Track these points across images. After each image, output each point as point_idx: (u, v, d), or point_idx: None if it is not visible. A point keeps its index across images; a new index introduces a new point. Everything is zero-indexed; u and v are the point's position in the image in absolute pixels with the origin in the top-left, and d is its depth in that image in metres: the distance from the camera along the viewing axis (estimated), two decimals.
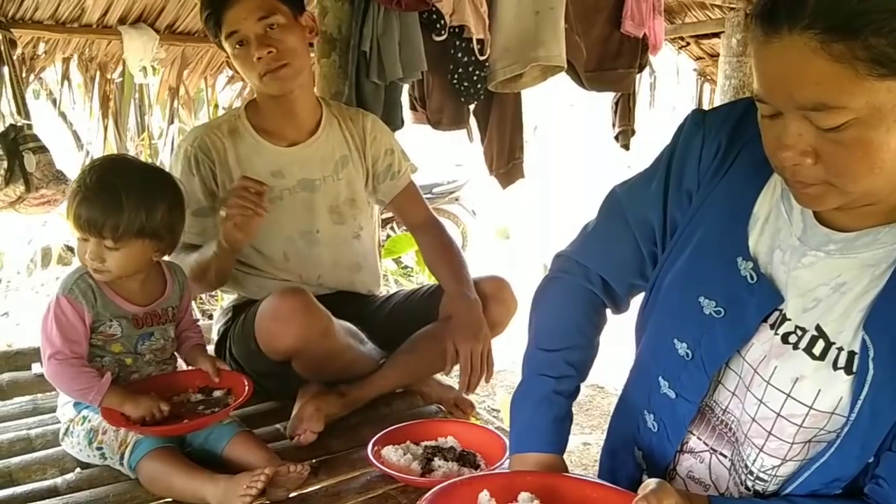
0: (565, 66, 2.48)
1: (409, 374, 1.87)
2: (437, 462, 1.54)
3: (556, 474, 1.10)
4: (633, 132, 3.02)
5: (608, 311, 1.26)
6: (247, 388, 1.59)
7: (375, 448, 1.57)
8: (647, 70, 3.29)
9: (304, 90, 1.85)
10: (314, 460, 1.61)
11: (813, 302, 0.94)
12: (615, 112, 3.01)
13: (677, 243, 1.09)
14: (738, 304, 0.99)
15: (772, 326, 0.97)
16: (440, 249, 1.98)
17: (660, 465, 1.14)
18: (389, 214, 2.03)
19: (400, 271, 5.61)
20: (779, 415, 0.96)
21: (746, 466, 1.02)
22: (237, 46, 1.74)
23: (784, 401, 0.95)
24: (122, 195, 1.44)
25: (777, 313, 0.97)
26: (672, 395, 1.09)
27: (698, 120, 1.09)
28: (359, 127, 1.97)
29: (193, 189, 1.78)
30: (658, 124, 7.76)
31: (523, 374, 1.23)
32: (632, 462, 1.21)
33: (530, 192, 6.42)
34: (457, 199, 5.78)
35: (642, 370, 1.19)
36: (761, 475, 1.00)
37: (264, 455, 1.48)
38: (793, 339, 0.95)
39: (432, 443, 1.64)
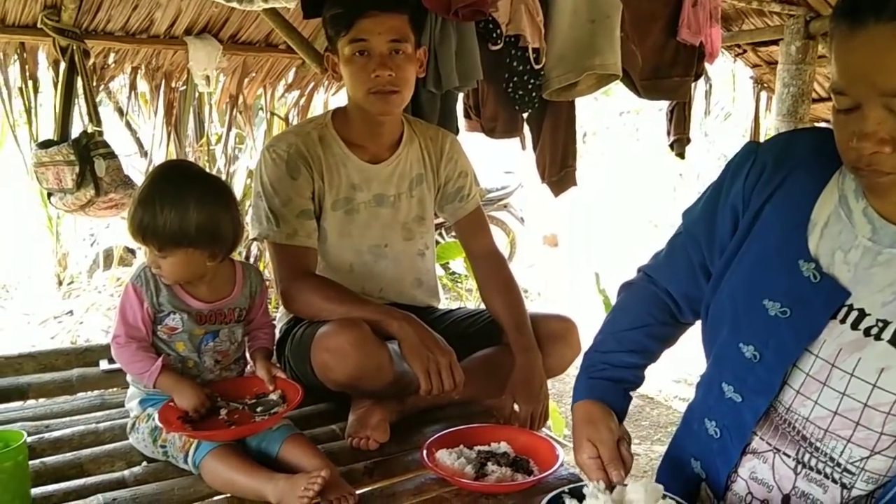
0: (621, 74, 2.47)
1: (465, 392, 1.86)
2: (491, 467, 1.55)
3: None
4: (688, 140, 2.99)
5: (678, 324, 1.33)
6: (298, 395, 1.61)
7: (429, 451, 1.59)
8: (702, 78, 3.25)
9: (395, 113, 1.88)
10: (370, 462, 1.64)
11: (892, 296, 0.99)
12: (670, 120, 2.98)
13: (733, 259, 1.16)
14: (803, 304, 1.05)
15: (841, 321, 1.02)
16: (501, 289, 1.97)
17: (721, 471, 1.17)
18: (437, 221, 2.05)
19: (448, 277, 5.63)
20: (866, 405, 1.00)
21: (833, 459, 1.05)
22: (357, 54, 1.74)
23: (870, 391, 1.00)
24: (156, 207, 1.49)
25: (845, 309, 1.02)
26: (738, 398, 1.13)
27: (751, 148, 1.19)
28: (437, 146, 1.99)
29: (296, 192, 1.80)
30: (713, 133, 7.62)
31: (586, 355, 1.33)
32: (689, 471, 1.24)
33: (579, 200, 6.38)
34: (505, 206, 5.78)
35: (708, 379, 1.23)
36: (849, 467, 1.04)
37: (317, 461, 1.50)
38: (874, 331, 1.00)
39: (485, 448, 1.65)
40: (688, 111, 2.98)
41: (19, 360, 2.07)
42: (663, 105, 3.30)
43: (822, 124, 3.69)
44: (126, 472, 1.56)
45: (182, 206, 1.51)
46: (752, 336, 1.10)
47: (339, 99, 3.38)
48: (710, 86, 3.77)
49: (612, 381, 1.26)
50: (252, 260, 4.04)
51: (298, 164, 1.81)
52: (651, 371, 1.33)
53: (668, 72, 2.75)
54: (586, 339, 1.99)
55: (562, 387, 4.50)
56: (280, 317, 1.99)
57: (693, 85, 3.01)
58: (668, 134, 3.01)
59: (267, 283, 1.88)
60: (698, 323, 1.28)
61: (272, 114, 3.46)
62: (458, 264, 5.52)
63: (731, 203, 1.16)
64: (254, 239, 2.29)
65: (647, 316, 1.30)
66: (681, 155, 3.03)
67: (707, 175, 8.08)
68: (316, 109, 3.28)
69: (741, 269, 1.14)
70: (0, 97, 2.57)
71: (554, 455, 1.60)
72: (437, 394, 1.63)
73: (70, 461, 1.59)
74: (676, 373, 4.10)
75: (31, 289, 4.75)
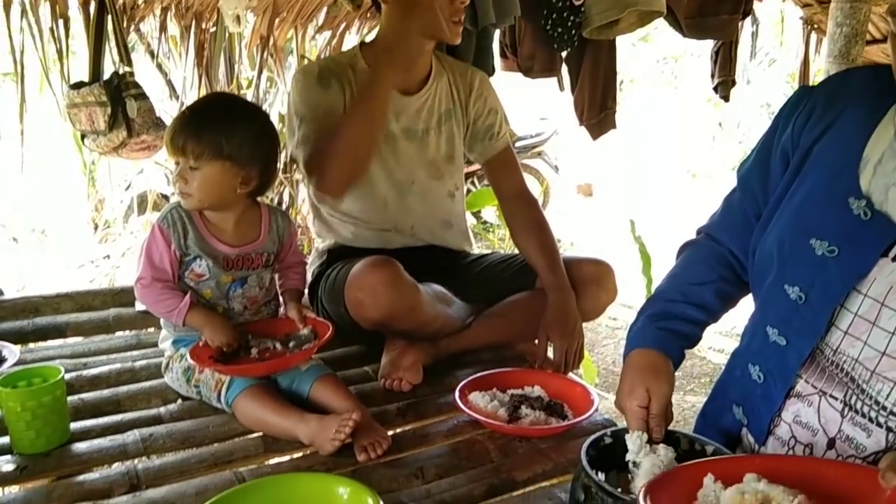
0: (665, 11, 2.36)
1: (498, 337, 1.87)
2: (525, 410, 1.54)
3: (775, 456, 1.09)
4: (733, 83, 2.86)
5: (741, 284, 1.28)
6: (329, 330, 1.60)
7: (462, 393, 1.58)
8: (749, 18, 3.10)
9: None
10: (402, 403, 1.64)
11: None
12: (715, 62, 2.85)
13: (782, 200, 1.13)
14: (852, 242, 1.02)
15: (893, 259, 0.99)
16: (533, 230, 1.92)
17: (763, 415, 1.14)
18: (469, 169, 2.01)
19: (479, 226, 5.59)
20: None
21: (878, 402, 1.01)
22: None
23: None
24: (202, 116, 1.51)
25: None
26: (782, 341, 1.10)
27: (803, 91, 1.18)
28: (467, 82, 1.95)
29: (326, 100, 1.77)
30: (756, 80, 7.36)
31: (648, 302, 1.29)
32: (730, 418, 1.22)
33: (615, 149, 6.25)
34: (539, 154, 5.68)
35: (752, 324, 1.20)
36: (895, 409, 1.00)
37: (348, 402, 1.50)
38: None
39: (519, 391, 1.64)
40: (734, 52, 2.85)
41: (57, 300, 2.10)
42: (704, 51, 3.16)
43: None
44: (162, 409, 1.58)
45: (229, 117, 1.53)
46: (797, 277, 1.08)
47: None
48: (758, 26, 3.61)
49: (673, 334, 1.22)
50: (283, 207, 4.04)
51: (329, 78, 1.78)
52: None
53: (714, 9, 2.62)
54: (622, 288, 1.96)
55: (594, 336, 4.47)
56: (312, 259, 1.98)
57: (740, 24, 2.87)
58: (713, 76, 2.89)
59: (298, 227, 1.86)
60: None
61: (302, 56, 3.40)
62: (490, 213, 5.48)
63: (783, 148, 1.14)
64: (292, 158, 2.27)
65: (711, 272, 1.26)
66: (725, 98, 2.90)
67: (748, 124, 7.85)
68: None
69: (789, 209, 1.11)
70: (32, 39, 2.55)
71: (589, 400, 1.58)
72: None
73: (108, 398, 1.61)
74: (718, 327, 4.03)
75: (68, 233, 4.82)
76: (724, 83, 2.83)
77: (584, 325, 1.86)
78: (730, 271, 1.27)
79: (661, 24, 2.58)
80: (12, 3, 2.48)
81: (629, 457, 1.13)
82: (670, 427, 1.17)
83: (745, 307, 1.27)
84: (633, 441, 1.13)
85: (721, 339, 3.88)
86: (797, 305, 1.07)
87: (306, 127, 1.76)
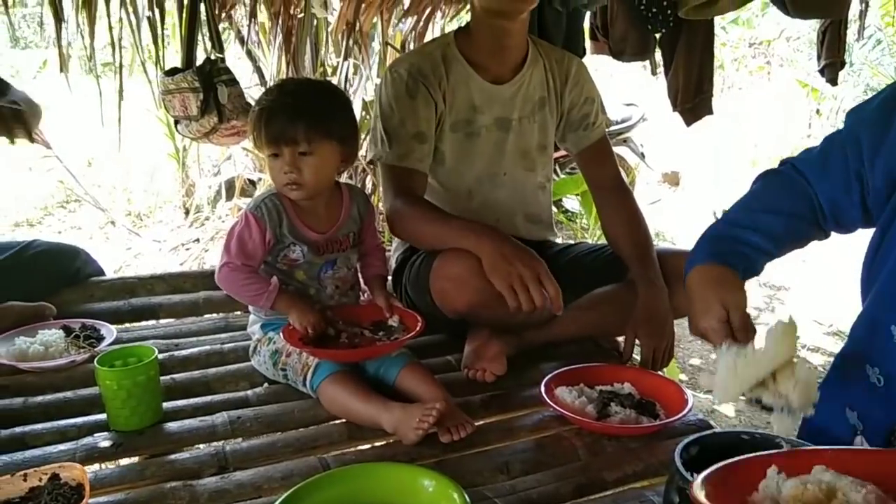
0: None
1: (584, 330, 1.81)
2: (615, 408, 1.48)
3: (850, 450, 1.03)
4: (842, 65, 2.66)
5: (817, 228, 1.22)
6: (419, 324, 1.60)
7: (549, 388, 1.53)
8: None
9: (522, 24, 1.77)
10: (486, 395, 1.60)
11: None
12: (821, 42, 2.66)
13: None
14: None
15: None
16: (626, 221, 1.85)
17: (880, 424, 1.07)
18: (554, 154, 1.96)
19: (561, 215, 5.49)
20: None
21: None
22: None
23: None
24: (305, 99, 1.50)
25: None
26: None
27: None
28: (563, 69, 1.88)
29: (414, 113, 1.74)
30: (859, 63, 6.91)
31: (712, 225, 1.26)
32: (843, 423, 1.14)
33: (703, 136, 6.00)
34: (625, 141, 5.50)
35: (869, 322, 1.11)
36: None
37: (434, 390, 1.49)
38: None
39: (608, 387, 1.58)
40: (843, 31, 2.65)
41: (151, 281, 2.17)
42: (800, 34, 2.96)
43: None
44: (249, 392, 1.61)
45: (325, 98, 1.55)
46: None
47: (455, 26, 3.26)
48: (867, 4, 3.36)
49: (737, 255, 1.17)
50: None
51: (418, 83, 1.74)
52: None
53: None
54: None
55: (680, 331, 4.30)
56: (396, 246, 1.97)
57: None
58: (819, 58, 2.69)
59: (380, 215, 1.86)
60: None
61: (387, 44, 3.39)
62: (572, 202, 5.36)
63: None
64: (369, 162, 2.27)
65: (788, 204, 1.19)
66: (833, 81, 2.70)
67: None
68: (432, 37, 3.18)
69: None
70: (130, 27, 2.63)
71: (682, 399, 1.51)
72: (528, 311, 1.48)
73: (198, 379, 1.65)
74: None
75: (161, 218, 5.02)
76: (832, 65, 2.64)
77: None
78: (809, 210, 1.19)
79: (756, 3, 2.42)
80: None
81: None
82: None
83: (850, 304, 1.18)
84: (727, 355, 1.08)
85: (820, 336, 3.68)
86: None
87: (385, 129, 1.74)
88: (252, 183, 4.59)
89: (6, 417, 1.46)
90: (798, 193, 1.20)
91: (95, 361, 1.44)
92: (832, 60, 2.63)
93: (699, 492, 0.81)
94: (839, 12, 2.55)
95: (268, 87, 3.20)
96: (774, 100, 8.19)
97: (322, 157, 1.51)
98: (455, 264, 1.58)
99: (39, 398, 1.54)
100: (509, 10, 1.70)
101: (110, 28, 2.61)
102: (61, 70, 2.60)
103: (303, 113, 1.47)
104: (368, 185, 4.09)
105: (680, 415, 1.46)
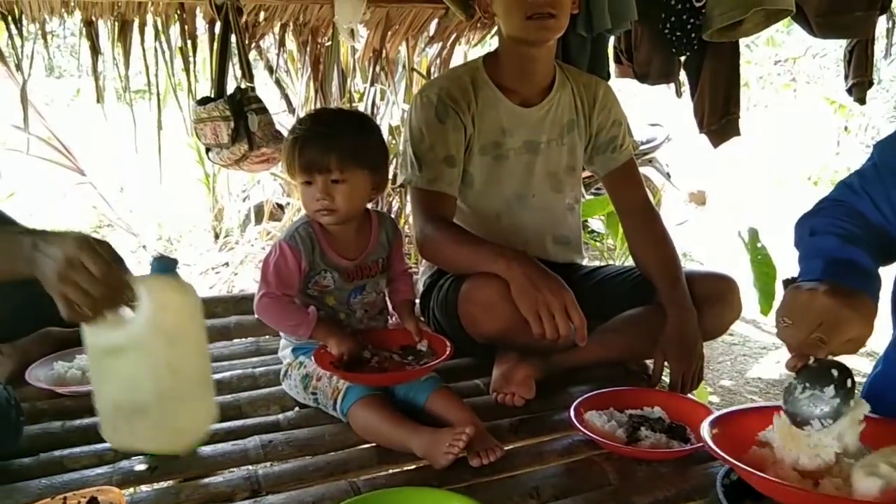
0: (793, 9, 2.22)
1: (613, 354, 1.80)
2: (644, 432, 1.47)
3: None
4: (870, 84, 2.65)
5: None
6: (448, 349, 1.61)
7: (578, 412, 1.53)
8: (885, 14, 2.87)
9: (548, 51, 1.81)
10: (515, 419, 1.60)
11: None
12: (848, 62, 2.65)
13: None
14: None
15: None
16: (654, 243, 1.85)
17: None
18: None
19: (587, 235, 5.47)
20: None
21: None
22: None
23: None
24: (338, 129, 1.54)
25: None
26: None
27: None
28: (591, 93, 1.90)
29: (443, 137, 1.77)
30: (887, 80, 6.83)
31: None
32: None
33: (729, 155, 5.96)
34: (650, 161, 5.49)
35: None
36: None
37: (464, 414, 1.49)
38: None
39: (638, 411, 1.58)
40: (871, 50, 2.64)
41: None
42: (826, 51, 2.95)
43: None
44: (280, 416, 1.62)
45: (357, 126, 1.59)
46: None
47: (480, 51, 3.30)
48: (894, 22, 3.34)
49: (860, 273, 1.09)
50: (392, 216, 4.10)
51: (447, 107, 1.77)
52: None
53: (848, 5, 2.44)
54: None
55: (708, 352, 4.25)
56: (423, 270, 1.99)
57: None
58: (846, 77, 2.68)
59: (406, 238, 1.88)
60: None
61: (413, 69, 3.44)
62: (596, 222, 5.35)
63: None
64: (399, 186, 2.30)
65: (859, 224, 1.16)
66: (861, 100, 2.69)
67: (879, 127, 7.32)
68: (457, 62, 3.22)
69: None
70: (163, 57, 2.71)
71: None
72: (552, 339, 1.51)
73: (230, 402, 1.67)
74: None
75: (191, 242, 5.10)
76: (860, 84, 2.63)
77: None
78: (876, 230, 1.17)
79: (789, 20, 2.42)
80: (146, 24, 2.66)
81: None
82: None
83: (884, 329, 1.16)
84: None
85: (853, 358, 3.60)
86: None
87: (415, 153, 1.77)
88: (280, 207, 4.65)
89: (46, 441, 1.49)
90: (859, 215, 1.19)
91: None
92: (860, 79, 2.61)
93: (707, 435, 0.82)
94: (865, 32, 2.54)
95: (298, 115, 3.28)
96: (801, 117, 8.12)
97: (354, 184, 1.54)
98: (484, 289, 1.60)
99: (77, 422, 1.57)
100: (536, 40, 1.73)
101: (144, 59, 2.70)
102: (98, 100, 2.68)
103: (335, 142, 1.51)
104: (395, 207, 4.13)
105: None
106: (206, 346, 1.22)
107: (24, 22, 2.52)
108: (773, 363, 3.57)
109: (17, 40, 2.52)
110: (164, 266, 1.16)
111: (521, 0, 1.67)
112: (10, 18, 2.49)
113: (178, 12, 2.65)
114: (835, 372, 1.02)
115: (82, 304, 1.03)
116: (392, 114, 3.85)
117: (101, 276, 1.02)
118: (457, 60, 3.25)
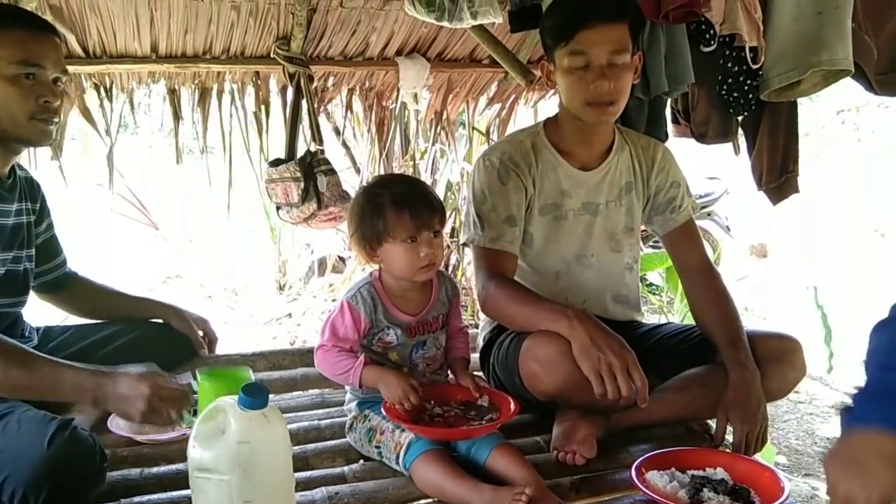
0: (852, 69, 2.23)
1: (674, 413, 1.79)
2: (707, 493, 1.46)
3: None
4: None
5: None
6: (513, 406, 1.63)
7: (639, 471, 1.53)
8: None
9: (608, 123, 1.86)
10: (576, 478, 1.61)
11: None
12: None
13: None
14: None
15: None
16: (714, 302, 1.86)
17: None
18: None
19: (645, 290, 5.42)
20: None
21: None
22: (576, 67, 1.71)
23: None
24: (423, 190, 1.66)
25: None
26: None
27: None
28: (649, 156, 1.95)
29: (505, 198, 1.83)
30: None
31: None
32: None
33: (791, 206, 5.86)
34: (709, 215, 5.45)
35: None
36: None
37: (526, 472, 1.50)
38: None
39: (700, 472, 1.56)
40: None
41: (253, 358, 2.29)
42: (891, 100, 2.91)
43: None
44: (346, 469, 1.66)
45: (427, 187, 1.72)
46: None
47: (540, 111, 3.39)
48: None
49: None
50: (449, 270, 4.17)
51: (509, 170, 1.83)
52: None
53: None
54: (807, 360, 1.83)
55: (773, 411, 4.14)
56: (483, 325, 2.02)
57: None
58: None
59: (463, 290, 1.94)
60: None
61: (473, 129, 3.55)
62: (655, 276, 5.31)
63: None
64: (463, 244, 2.36)
65: None
66: None
67: None
68: (517, 122, 3.31)
69: None
70: (239, 121, 2.88)
71: (778, 486, 1.47)
72: (614, 399, 1.52)
73: (297, 454, 1.71)
74: None
75: (256, 293, 5.26)
76: None
77: None
78: None
79: (848, 79, 2.42)
80: (224, 91, 2.84)
81: None
82: None
83: None
84: None
85: None
86: None
87: (478, 213, 1.84)
88: (342, 260, 4.78)
89: (125, 488, 1.56)
90: None
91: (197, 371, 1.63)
92: None
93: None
94: None
95: (363, 174, 3.41)
96: (865, 167, 7.93)
97: (441, 236, 1.64)
98: (545, 346, 1.62)
99: (155, 469, 1.63)
100: (595, 123, 1.80)
101: (220, 123, 2.87)
102: (177, 161, 2.86)
103: (434, 199, 1.64)
104: (452, 261, 4.20)
105: (777, 503, 1.43)
106: (288, 477, 1.32)
107: (115, 91, 2.73)
108: None
109: (107, 107, 2.73)
110: (250, 401, 1.24)
111: (584, 87, 1.71)
112: (101, 88, 2.70)
113: (254, 79, 2.83)
114: None
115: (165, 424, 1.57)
116: (451, 170, 3.96)
117: (174, 399, 1.54)
118: (517, 119, 3.34)
